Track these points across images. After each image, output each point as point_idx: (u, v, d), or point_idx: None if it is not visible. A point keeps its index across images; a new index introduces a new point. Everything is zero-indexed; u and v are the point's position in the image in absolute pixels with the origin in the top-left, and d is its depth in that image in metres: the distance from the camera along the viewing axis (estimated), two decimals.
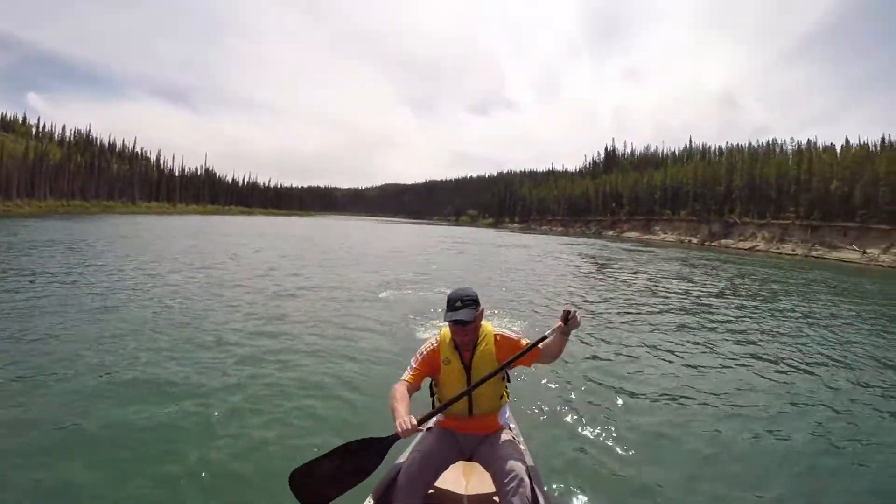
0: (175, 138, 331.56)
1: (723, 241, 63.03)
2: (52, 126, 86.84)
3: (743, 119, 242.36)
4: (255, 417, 3.90)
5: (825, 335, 8.76)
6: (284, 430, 3.72)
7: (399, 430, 1.90)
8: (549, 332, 2.19)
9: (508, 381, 2.36)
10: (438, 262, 18.56)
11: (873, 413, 4.90)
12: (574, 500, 3.00)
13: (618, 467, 3.42)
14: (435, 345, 2.26)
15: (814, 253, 50.89)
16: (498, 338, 2.25)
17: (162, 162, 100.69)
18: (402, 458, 2.17)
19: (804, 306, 12.51)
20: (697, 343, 7.50)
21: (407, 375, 2.21)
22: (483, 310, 2.23)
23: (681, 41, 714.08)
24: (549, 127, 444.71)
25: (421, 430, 2.02)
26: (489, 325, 2.30)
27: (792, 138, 77.22)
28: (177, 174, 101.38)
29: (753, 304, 12.43)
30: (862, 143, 61.44)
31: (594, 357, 6.28)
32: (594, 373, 5.56)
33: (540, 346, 2.17)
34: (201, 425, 3.71)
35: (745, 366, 6.38)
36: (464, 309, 2.12)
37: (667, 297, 12.35)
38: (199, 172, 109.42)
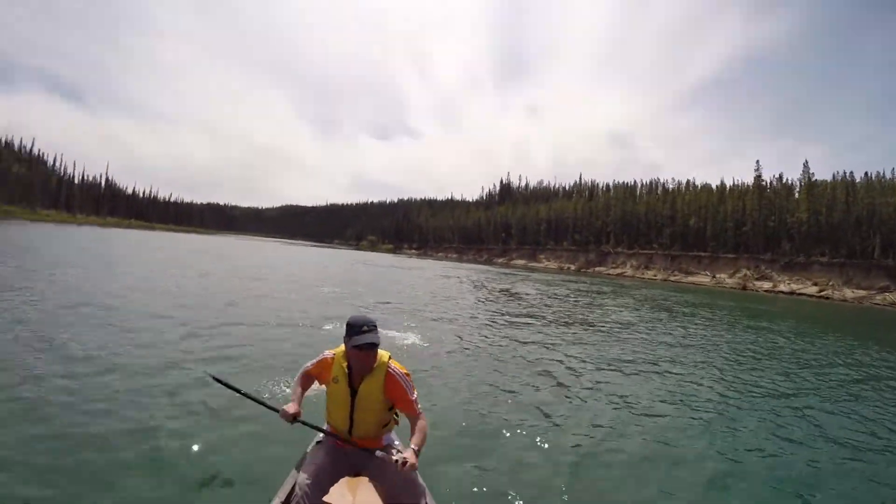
0: (70, 142, 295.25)
1: (597, 268, 66.28)
2: None
3: (637, 156, 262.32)
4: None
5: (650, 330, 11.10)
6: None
7: (281, 411, 2.31)
8: (403, 449, 2.29)
9: (398, 414, 2.45)
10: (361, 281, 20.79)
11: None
12: None
13: (504, 484, 3.31)
14: (331, 357, 2.37)
15: (672, 277, 54.17)
16: (389, 372, 2.31)
17: (63, 167, 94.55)
18: (296, 472, 2.38)
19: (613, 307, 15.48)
20: (554, 344, 8.46)
21: (309, 365, 2.45)
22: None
23: (580, 81, 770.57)
24: (451, 157, 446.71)
25: (293, 423, 2.33)
26: (385, 354, 2.35)
27: (673, 178, 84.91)
28: (76, 182, 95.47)
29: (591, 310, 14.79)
30: (737, 184, 65.32)
31: (469, 374, 6.20)
32: (471, 388, 5.51)
33: (411, 444, 2.22)
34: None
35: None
36: (370, 333, 2.21)
37: (524, 310, 14.05)
38: (99, 182, 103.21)
